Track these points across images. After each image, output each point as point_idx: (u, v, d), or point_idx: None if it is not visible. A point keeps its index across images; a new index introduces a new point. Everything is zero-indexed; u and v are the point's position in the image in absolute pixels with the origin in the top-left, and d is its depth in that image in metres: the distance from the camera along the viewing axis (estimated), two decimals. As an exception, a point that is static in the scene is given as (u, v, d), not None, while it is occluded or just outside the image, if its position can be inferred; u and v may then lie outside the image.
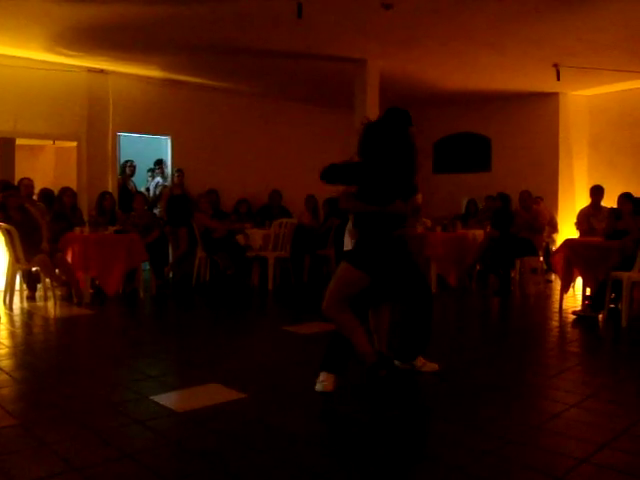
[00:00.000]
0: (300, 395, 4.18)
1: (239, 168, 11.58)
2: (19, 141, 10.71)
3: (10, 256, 7.42)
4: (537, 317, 7.78)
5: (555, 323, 7.21)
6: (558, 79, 9.65)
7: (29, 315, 7.20)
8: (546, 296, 9.07)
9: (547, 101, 11.86)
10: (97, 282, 8.16)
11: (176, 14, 7.37)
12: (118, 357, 5.42)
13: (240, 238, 9.47)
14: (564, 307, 7.68)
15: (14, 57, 9.13)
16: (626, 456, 3.26)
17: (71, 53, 9.07)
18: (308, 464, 3.17)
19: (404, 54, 9.16)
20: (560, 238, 10.32)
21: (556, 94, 11.66)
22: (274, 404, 4.04)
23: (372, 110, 9.68)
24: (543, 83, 10.68)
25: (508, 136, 12.44)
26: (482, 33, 8.02)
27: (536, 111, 12.07)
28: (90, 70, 10.01)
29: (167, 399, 4.10)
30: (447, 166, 13.47)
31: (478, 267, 9.38)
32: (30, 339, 6.19)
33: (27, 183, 8.70)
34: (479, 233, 9.74)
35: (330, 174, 3.98)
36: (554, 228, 11.12)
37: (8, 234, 7.23)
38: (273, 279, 9.23)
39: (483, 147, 12.91)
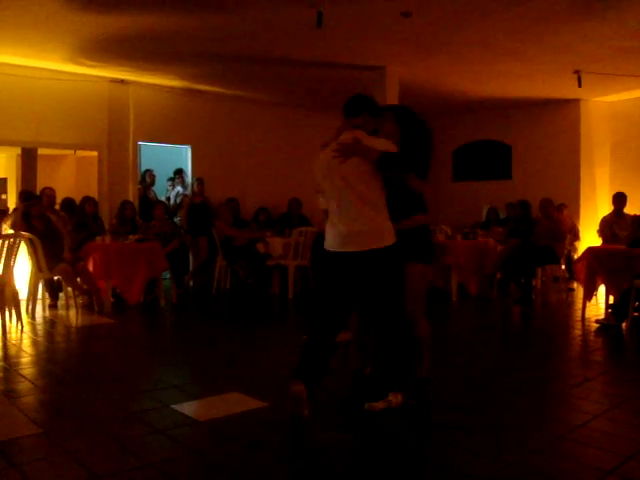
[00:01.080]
0: (322, 404, 4.15)
1: (259, 177, 11.62)
2: (41, 151, 10.83)
3: (33, 265, 7.47)
4: (559, 326, 7.71)
5: (578, 332, 7.14)
6: (580, 86, 9.59)
7: (51, 324, 7.24)
8: (568, 305, 8.98)
9: (568, 108, 11.79)
10: (118, 291, 8.20)
11: (196, 24, 7.43)
12: (139, 366, 5.43)
13: (260, 246, 9.48)
14: (587, 316, 7.60)
15: (36, 68, 9.23)
16: (653, 467, 3.21)
17: (92, 64, 9.16)
18: (331, 473, 3.16)
19: (424, 61, 9.16)
20: (582, 246, 10.22)
21: (577, 100, 11.59)
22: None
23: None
24: (564, 90, 10.62)
25: (529, 143, 12.37)
26: (502, 40, 8.00)
27: (557, 118, 12.00)
28: (111, 80, 10.10)
29: (188, 408, 4.10)
30: (467, 174, 13.43)
31: (499, 275, 9.32)
32: (52, 347, 6.23)
33: (49, 193, 8.78)
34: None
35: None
36: (576, 236, 11.03)
37: (31, 243, 7.28)
38: (293, 287, 9.22)
39: (504, 154, 12.85)
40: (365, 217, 3.71)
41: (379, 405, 3.81)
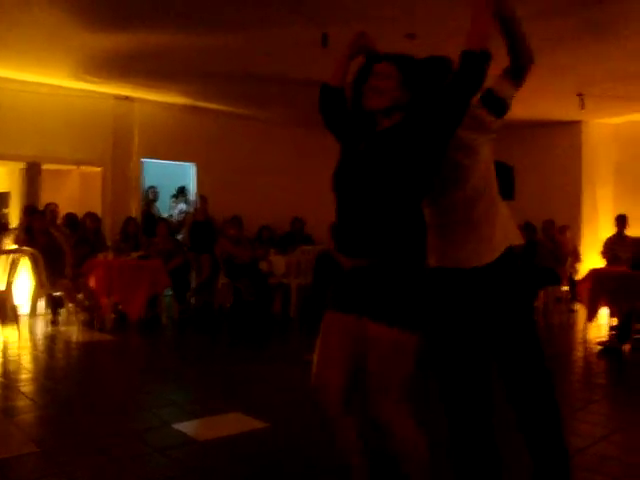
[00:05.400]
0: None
1: (263, 195, 11.61)
2: (45, 166, 10.84)
3: (34, 280, 7.47)
4: (561, 347, 7.66)
5: (580, 354, 7.12)
6: (582, 108, 9.60)
7: (52, 340, 7.23)
8: (570, 326, 8.96)
9: (571, 129, 11.81)
10: (120, 307, 8.18)
11: (202, 42, 7.46)
12: (140, 383, 5.41)
13: (263, 265, 9.47)
14: (589, 337, 7.58)
15: (42, 84, 9.27)
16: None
17: (97, 80, 9.20)
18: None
19: (427, 83, 9.17)
20: (584, 267, 10.21)
21: (579, 122, 11.62)
22: (297, 434, 4.00)
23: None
24: (567, 111, 10.64)
25: (531, 164, 12.35)
26: (506, 61, 8.01)
27: (559, 139, 12.01)
28: (116, 97, 10.15)
29: (189, 427, 4.08)
30: (470, 194, 13.42)
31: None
32: (52, 364, 6.22)
33: (53, 208, 8.81)
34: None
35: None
36: (576, 258, 11.01)
37: (33, 258, 7.29)
38: (296, 306, 9.20)
39: (506, 176, 12.84)
40: None
41: None
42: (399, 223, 2.36)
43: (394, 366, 2.35)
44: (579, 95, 9.32)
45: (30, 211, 8.67)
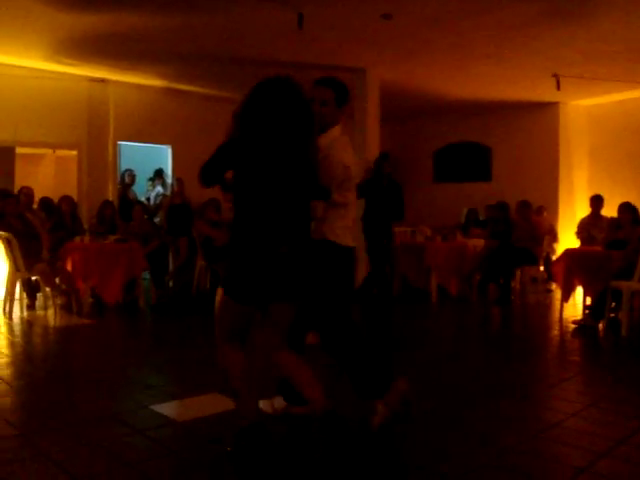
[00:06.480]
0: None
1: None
2: (19, 150, 10.73)
3: (10, 265, 7.41)
4: (537, 326, 7.78)
5: (555, 332, 7.21)
6: (558, 89, 9.68)
7: (29, 324, 7.19)
8: (546, 305, 9.06)
9: (547, 111, 11.90)
10: (97, 291, 8.14)
11: (177, 24, 7.41)
12: (118, 366, 5.41)
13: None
14: (564, 316, 7.69)
15: (14, 66, 9.16)
16: (625, 465, 3.26)
17: (72, 62, 9.10)
18: (307, 474, 3.17)
19: (404, 64, 9.19)
20: (560, 247, 10.34)
21: (556, 104, 11.69)
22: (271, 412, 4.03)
23: (372, 120, 9.72)
24: (543, 93, 10.71)
25: (508, 146, 12.46)
26: (482, 43, 8.06)
27: (536, 121, 12.10)
28: (91, 79, 10.05)
29: (167, 408, 4.09)
30: (448, 175, 13.49)
31: (478, 277, 9.37)
32: (29, 348, 6.19)
33: (27, 192, 8.70)
34: (479, 242, 9.73)
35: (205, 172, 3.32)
36: (554, 237, 11.13)
37: (8, 243, 7.23)
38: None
39: (483, 156, 12.93)
40: None
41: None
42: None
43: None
44: (554, 76, 9.38)
45: (3, 195, 8.57)
